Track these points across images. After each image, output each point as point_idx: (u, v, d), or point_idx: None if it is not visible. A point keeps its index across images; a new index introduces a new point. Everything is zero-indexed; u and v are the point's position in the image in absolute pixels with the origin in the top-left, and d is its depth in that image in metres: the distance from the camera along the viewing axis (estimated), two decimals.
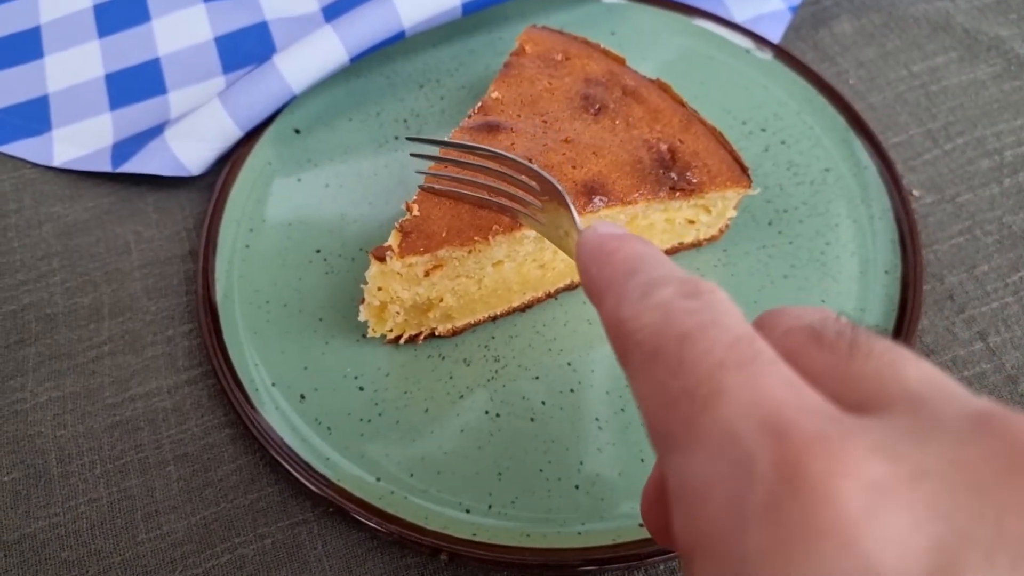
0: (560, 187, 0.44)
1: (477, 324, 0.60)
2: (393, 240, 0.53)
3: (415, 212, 0.54)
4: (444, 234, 0.53)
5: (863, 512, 0.20)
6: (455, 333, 0.60)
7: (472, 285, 0.56)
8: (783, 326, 0.29)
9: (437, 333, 0.59)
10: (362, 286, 0.55)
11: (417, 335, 0.59)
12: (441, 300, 0.56)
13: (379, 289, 0.54)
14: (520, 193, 0.49)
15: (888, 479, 0.21)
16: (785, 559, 0.21)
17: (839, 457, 0.21)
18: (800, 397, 0.24)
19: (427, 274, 0.54)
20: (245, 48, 0.77)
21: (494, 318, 0.60)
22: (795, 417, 0.23)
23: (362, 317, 0.55)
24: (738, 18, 0.77)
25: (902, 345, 0.26)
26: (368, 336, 0.58)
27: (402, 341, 0.59)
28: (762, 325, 0.30)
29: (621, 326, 0.30)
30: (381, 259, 0.52)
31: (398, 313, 0.55)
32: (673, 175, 0.57)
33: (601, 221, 0.40)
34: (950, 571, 0.20)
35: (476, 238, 0.53)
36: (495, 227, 0.53)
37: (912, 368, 0.25)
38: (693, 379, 0.25)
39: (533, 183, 0.46)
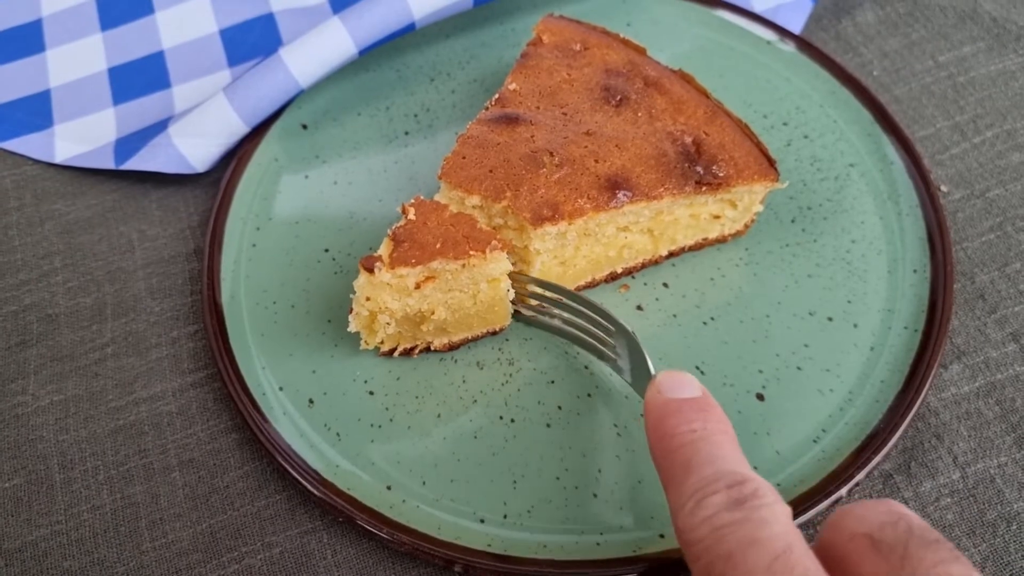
0: (633, 334, 0.51)
1: (475, 339, 0.58)
2: (384, 249, 0.51)
3: (411, 216, 0.52)
4: (438, 245, 0.50)
5: None
6: (451, 348, 0.57)
7: (467, 300, 0.54)
8: (848, 530, 0.34)
9: (433, 348, 0.57)
10: (351, 296, 0.52)
11: (412, 348, 0.57)
12: (433, 313, 0.53)
13: (367, 299, 0.51)
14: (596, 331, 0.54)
15: None
16: None
17: None
18: None
19: (418, 286, 0.51)
20: (251, 41, 0.75)
21: (493, 333, 0.58)
22: None
23: (352, 328, 0.53)
24: (758, 8, 0.75)
25: (952, 549, 0.32)
26: (362, 348, 0.56)
27: (396, 354, 0.57)
28: (832, 527, 0.35)
29: (681, 536, 0.36)
30: (370, 270, 0.49)
31: (389, 324, 0.53)
32: (699, 169, 0.55)
33: (665, 373, 0.44)
34: None
35: (472, 251, 0.50)
36: (493, 242, 0.51)
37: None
38: None
39: (609, 326, 0.52)
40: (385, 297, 0.51)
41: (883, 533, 0.32)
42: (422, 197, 0.53)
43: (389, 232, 0.51)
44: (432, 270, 0.50)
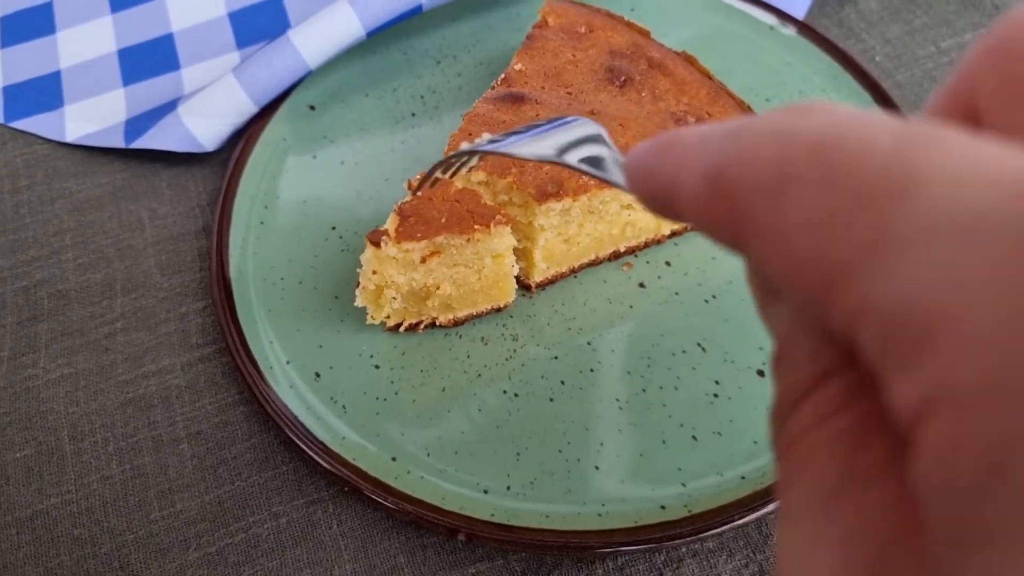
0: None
1: (480, 315, 0.58)
2: (391, 223, 0.52)
3: (418, 192, 0.53)
4: (444, 220, 0.51)
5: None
6: (457, 324, 0.58)
7: (471, 275, 0.55)
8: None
9: (438, 323, 0.58)
10: (358, 270, 0.53)
11: (417, 324, 0.57)
12: (438, 288, 0.54)
13: (374, 273, 0.52)
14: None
15: None
16: None
17: None
18: None
19: (423, 260, 0.52)
20: (259, 23, 0.76)
21: (498, 310, 0.59)
22: None
23: (359, 303, 0.54)
24: None
25: None
26: (368, 323, 0.56)
27: (402, 329, 0.57)
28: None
29: (720, 183, 0.21)
30: (376, 244, 0.50)
31: (395, 299, 0.54)
32: None
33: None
34: None
35: (476, 226, 0.51)
36: (497, 216, 0.51)
37: None
38: (866, 182, 0.17)
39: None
40: (391, 271, 0.52)
41: None
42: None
43: (395, 207, 0.52)
44: (437, 244, 0.51)
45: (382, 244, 0.50)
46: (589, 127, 0.35)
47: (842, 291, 0.17)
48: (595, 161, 0.35)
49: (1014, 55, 0.18)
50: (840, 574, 0.17)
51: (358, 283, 0.53)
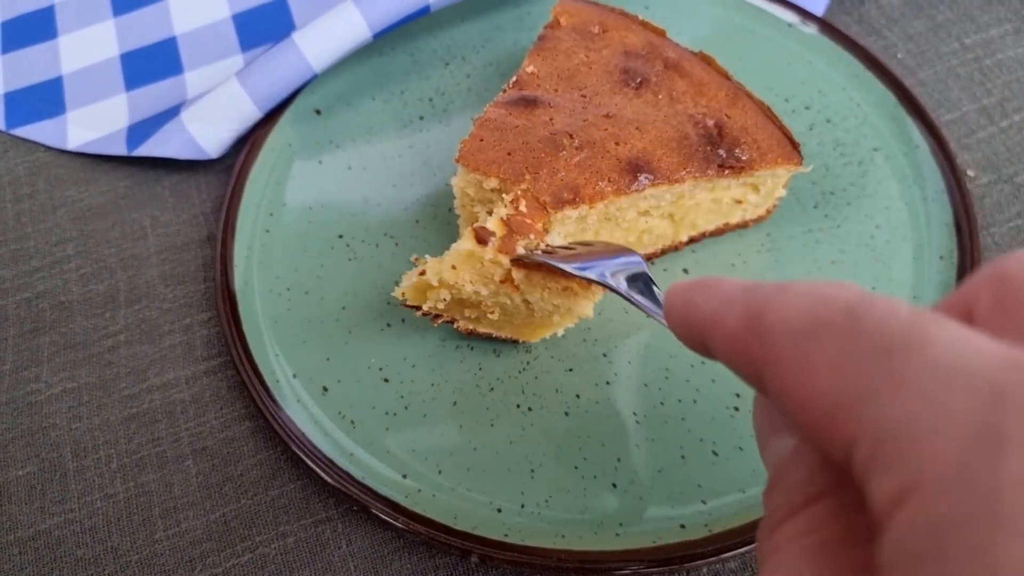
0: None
1: (498, 339, 0.56)
2: (497, 227, 0.47)
3: (521, 207, 0.49)
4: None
5: None
6: (471, 335, 0.56)
7: (527, 315, 0.52)
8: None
9: (456, 325, 0.54)
10: (427, 256, 0.48)
11: (436, 316, 0.53)
12: (491, 313, 0.51)
13: (453, 268, 0.47)
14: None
15: None
16: None
17: None
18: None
19: (502, 282, 0.48)
20: (263, 25, 0.74)
21: (515, 341, 0.56)
22: None
23: (397, 292, 0.50)
24: None
25: None
26: (392, 294, 0.51)
27: (418, 314, 0.52)
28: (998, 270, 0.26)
29: (758, 323, 0.26)
30: (484, 241, 0.46)
31: (443, 301, 0.49)
32: (721, 152, 0.53)
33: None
34: None
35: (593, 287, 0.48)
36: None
37: None
38: (886, 336, 0.23)
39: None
40: (466, 276, 0.47)
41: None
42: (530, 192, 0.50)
43: (503, 216, 0.48)
44: (543, 282, 0.48)
45: (489, 243, 0.46)
46: (639, 264, 0.45)
47: (847, 414, 0.22)
48: (641, 290, 0.44)
49: (1009, 285, 0.25)
50: None
51: (421, 271, 0.48)
